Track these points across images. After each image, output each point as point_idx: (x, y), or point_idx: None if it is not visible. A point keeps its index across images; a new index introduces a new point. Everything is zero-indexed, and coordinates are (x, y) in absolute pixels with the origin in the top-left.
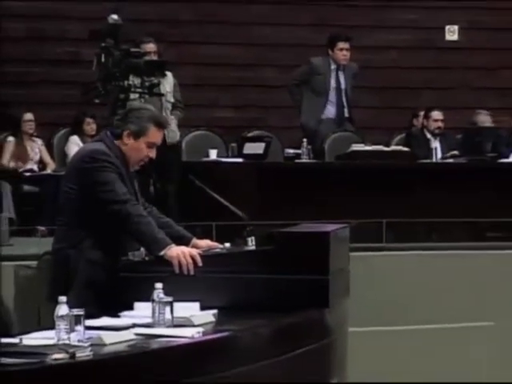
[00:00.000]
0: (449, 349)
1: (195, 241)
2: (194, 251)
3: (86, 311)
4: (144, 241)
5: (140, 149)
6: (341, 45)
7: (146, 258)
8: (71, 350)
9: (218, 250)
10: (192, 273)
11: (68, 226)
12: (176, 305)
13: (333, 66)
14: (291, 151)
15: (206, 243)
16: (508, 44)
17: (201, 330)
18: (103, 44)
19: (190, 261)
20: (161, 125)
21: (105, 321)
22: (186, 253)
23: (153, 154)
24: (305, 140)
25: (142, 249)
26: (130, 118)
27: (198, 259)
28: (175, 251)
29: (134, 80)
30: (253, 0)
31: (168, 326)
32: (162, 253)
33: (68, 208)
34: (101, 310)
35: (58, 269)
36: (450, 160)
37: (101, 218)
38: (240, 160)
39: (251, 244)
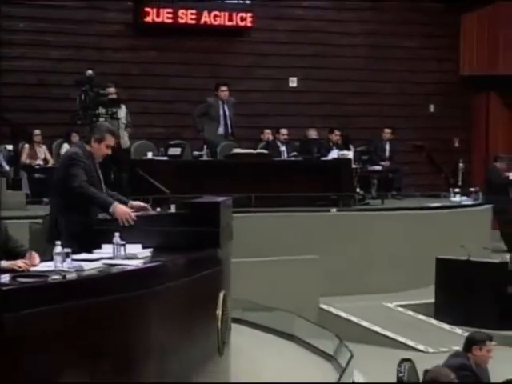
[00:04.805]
0: (289, 273)
1: (131, 202)
2: (129, 211)
3: (71, 250)
4: (99, 204)
5: (101, 149)
6: (222, 88)
7: (108, 218)
8: (63, 274)
9: (151, 212)
10: (131, 224)
11: (56, 198)
12: (127, 246)
13: (220, 102)
14: (197, 153)
15: (137, 204)
16: (328, 88)
17: (142, 261)
18: (83, 88)
19: (128, 217)
20: (113, 133)
21: (84, 256)
22: (126, 213)
23: (109, 152)
24: (205, 146)
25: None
26: (95, 130)
27: (132, 216)
28: (118, 209)
29: (102, 110)
30: (172, 62)
31: (123, 259)
32: (110, 210)
33: (57, 188)
34: (81, 249)
35: (51, 225)
36: (292, 158)
37: (74, 194)
38: (166, 158)
39: (173, 209)
